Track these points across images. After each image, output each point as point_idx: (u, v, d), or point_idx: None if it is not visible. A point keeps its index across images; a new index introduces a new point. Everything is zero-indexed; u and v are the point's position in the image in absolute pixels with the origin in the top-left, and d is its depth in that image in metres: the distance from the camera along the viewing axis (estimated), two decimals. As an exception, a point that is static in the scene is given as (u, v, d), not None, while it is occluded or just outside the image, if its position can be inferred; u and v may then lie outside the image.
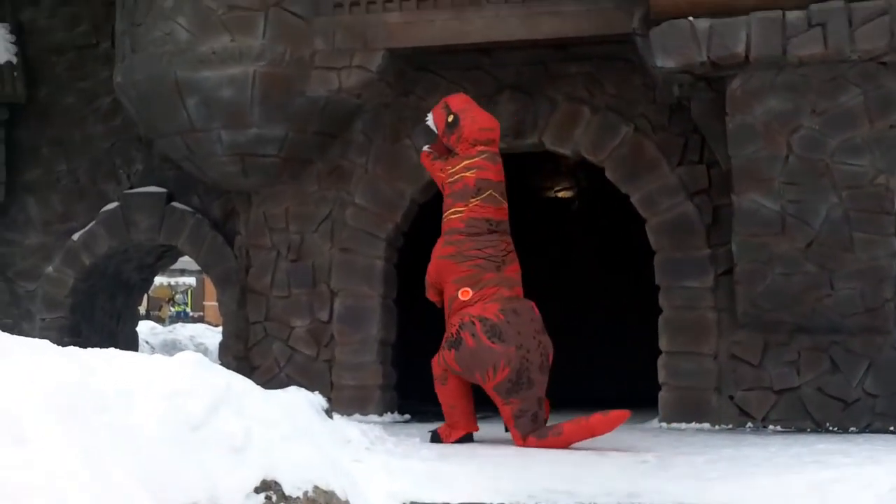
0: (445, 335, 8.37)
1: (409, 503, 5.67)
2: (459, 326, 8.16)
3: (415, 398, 12.71)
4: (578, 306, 14.94)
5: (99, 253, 13.06)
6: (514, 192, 15.37)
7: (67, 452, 4.06)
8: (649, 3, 9.37)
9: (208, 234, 12.74)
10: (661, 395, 10.46)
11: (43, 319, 13.10)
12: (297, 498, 4.68)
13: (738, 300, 9.95)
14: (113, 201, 13.14)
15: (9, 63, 13.31)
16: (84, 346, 12.48)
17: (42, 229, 13.43)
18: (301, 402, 5.75)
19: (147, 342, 18.31)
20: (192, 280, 35.22)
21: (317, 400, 6.14)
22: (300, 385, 11.05)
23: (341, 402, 11.08)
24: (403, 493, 5.72)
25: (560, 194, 16.27)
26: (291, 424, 5.03)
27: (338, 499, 4.87)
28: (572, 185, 16.05)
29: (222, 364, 12.07)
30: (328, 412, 6.25)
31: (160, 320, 30.38)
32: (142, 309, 33.52)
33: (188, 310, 35.61)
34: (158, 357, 4.88)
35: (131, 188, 13.17)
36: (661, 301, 10.62)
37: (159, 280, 34.91)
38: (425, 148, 9.23)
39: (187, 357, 4.85)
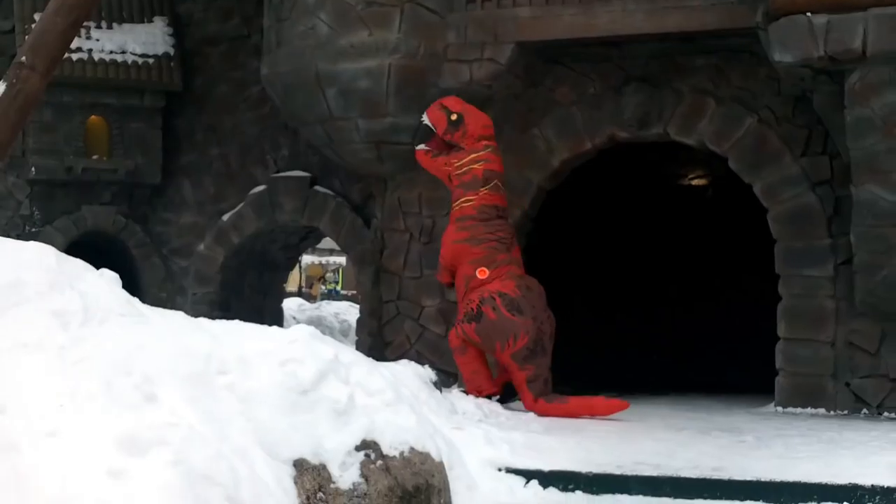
0: (464, 310, 9.27)
1: (503, 468, 6.16)
2: (480, 301, 9.06)
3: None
4: (708, 292, 15.14)
5: (247, 233, 13.91)
6: (647, 179, 15.80)
7: (191, 410, 4.68)
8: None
9: (348, 216, 13.45)
10: (778, 380, 10.68)
11: (195, 294, 14.02)
12: (394, 457, 5.22)
13: (856, 289, 10.09)
14: (261, 184, 13.98)
15: (167, 54, 14.24)
16: (232, 319, 13.36)
17: (196, 209, 14.35)
18: (409, 374, 6.28)
19: (294, 318, 19.18)
20: (342, 259, 36.29)
21: (426, 373, 6.67)
22: (429, 361, 11.74)
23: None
24: (500, 460, 6.22)
25: (694, 182, 16.43)
26: (394, 392, 5.56)
27: (432, 460, 5.39)
28: (706, 173, 16.19)
29: (358, 339, 12.80)
30: (437, 384, 6.76)
31: (312, 297, 31.50)
32: (295, 286, 34.84)
33: (338, 288, 36.69)
34: (275, 329, 5.48)
35: (278, 172, 13.98)
36: (781, 289, 10.81)
37: (311, 259, 36.14)
38: (420, 147, 10.14)
39: (301, 330, 5.43)
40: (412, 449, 5.33)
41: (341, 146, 11.91)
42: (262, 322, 14.61)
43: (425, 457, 5.37)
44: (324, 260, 34.75)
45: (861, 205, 9.73)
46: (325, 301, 25.96)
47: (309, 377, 5.14)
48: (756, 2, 10.17)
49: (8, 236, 13.99)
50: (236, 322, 5.67)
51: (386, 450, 5.22)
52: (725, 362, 14.49)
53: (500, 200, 9.52)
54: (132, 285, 14.32)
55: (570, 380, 13.27)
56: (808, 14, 9.35)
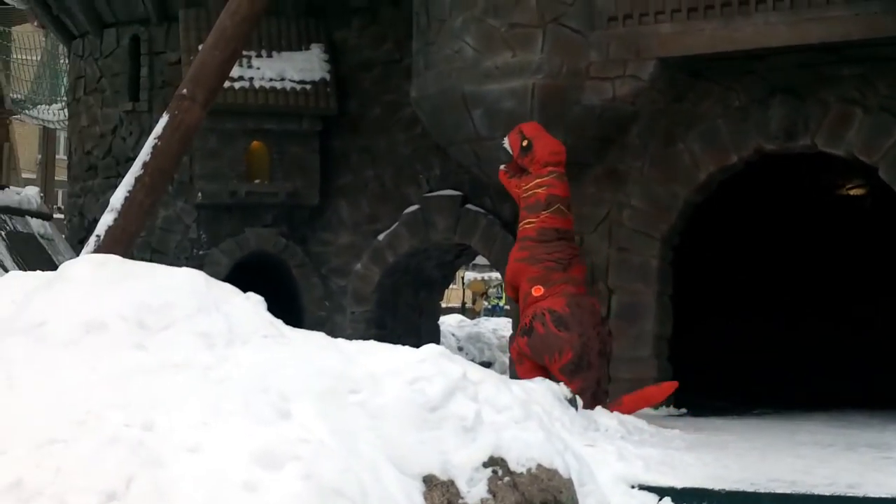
0: (521, 324, 9.71)
1: (636, 485, 6.25)
2: (532, 317, 9.48)
3: (699, 392, 13.12)
4: (869, 302, 14.81)
5: (401, 251, 14.30)
6: (804, 190, 15.54)
7: (322, 426, 4.95)
8: (914, 6, 9.39)
9: (499, 233, 13.69)
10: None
11: (353, 312, 14.49)
12: (521, 473, 5.38)
13: None
14: (414, 204, 14.35)
15: (323, 80, 14.78)
16: (389, 337, 13.82)
17: (352, 229, 14.83)
18: (542, 391, 6.44)
19: (453, 334, 19.54)
20: (504, 275, 36.59)
21: (560, 390, 6.82)
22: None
23: (619, 394, 11.65)
24: (633, 477, 6.31)
25: (852, 192, 16.09)
26: (523, 409, 5.72)
27: (560, 476, 5.53)
28: (865, 182, 15.83)
29: (510, 355, 12.99)
30: (572, 401, 6.90)
31: (475, 313, 31.91)
32: (458, 302, 35.32)
33: (501, 303, 36.98)
34: (406, 349, 5.72)
35: (430, 191, 14.33)
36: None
37: (474, 275, 36.59)
38: (502, 167, 10.47)
39: (431, 349, 5.65)
40: (539, 465, 5.47)
41: (488, 165, 12.15)
42: (419, 339, 15.13)
43: (553, 473, 5.51)
44: (486, 276, 35.11)
45: None
46: (485, 317, 26.25)
47: (437, 394, 5.35)
48: (902, 9, 10.00)
49: (178, 259, 14.87)
50: (371, 342, 5.94)
51: (513, 466, 5.38)
52: (891, 376, 14.14)
53: (561, 223, 9.88)
54: (293, 304, 14.94)
55: (727, 395, 13.23)
56: (956, 20, 9.14)
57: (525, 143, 10.07)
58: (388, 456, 5.09)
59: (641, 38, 11.33)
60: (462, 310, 31.46)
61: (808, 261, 15.46)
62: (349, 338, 13.76)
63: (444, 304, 32.45)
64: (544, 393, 6.46)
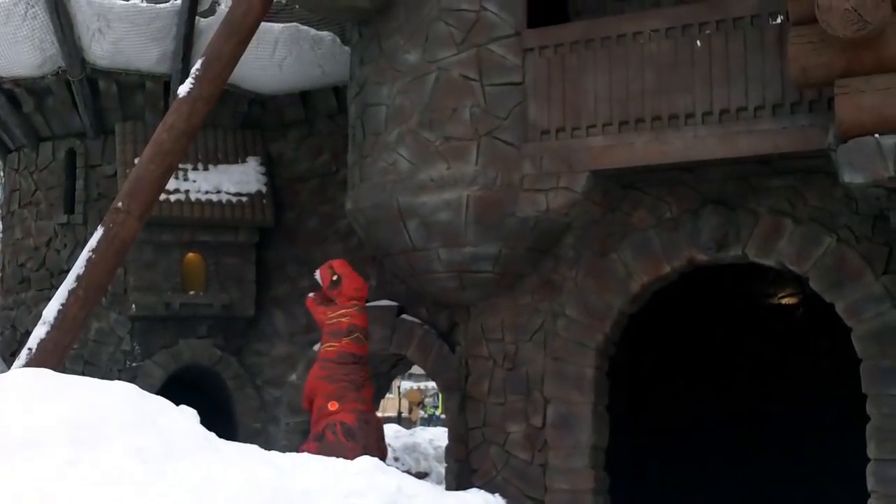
0: (313, 431, 11.17)
1: None
2: (325, 426, 11.08)
3: (636, 500, 13.12)
4: (800, 411, 14.96)
5: (337, 362, 14.20)
6: (736, 298, 15.80)
7: (257, 541, 4.90)
8: (836, 122, 9.69)
9: (435, 343, 13.69)
10: (870, 502, 10.47)
11: (287, 423, 14.34)
12: (458, 588, 5.35)
13: (945, 408, 9.94)
14: (350, 314, 14.30)
15: (259, 192, 14.86)
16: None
17: (288, 340, 14.76)
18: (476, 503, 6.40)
19: (389, 444, 19.32)
20: (441, 384, 36.47)
21: (496, 502, 6.78)
22: (516, 488, 11.81)
23: (556, 505, 11.63)
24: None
25: (784, 301, 16.37)
26: (460, 523, 5.71)
27: (497, 590, 5.50)
28: (797, 291, 16.14)
29: (447, 466, 12.92)
30: (508, 514, 6.86)
31: (412, 423, 31.66)
32: (394, 412, 35.06)
33: (438, 412, 36.79)
34: (340, 462, 5.69)
35: (367, 302, 14.30)
36: (869, 409, 10.65)
37: (410, 384, 36.42)
38: (311, 295, 12.27)
39: (365, 462, 5.64)
40: (476, 579, 5.45)
41: (423, 276, 12.23)
42: (354, 450, 14.86)
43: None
44: (422, 385, 34.97)
45: (943, 322, 9.65)
46: (421, 427, 26.07)
47: (372, 509, 5.32)
48: (827, 123, 10.29)
49: (110, 371, 14.67)
50: (304, 455, 5.90)
51: (450, 581, 5.35)
52: (827, 483, 14.24)
53: (358, 349, 11.61)
54: (227, 416, 14.76)
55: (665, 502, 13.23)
56: (877, 136, 9.43)
57: (335, 277, 11.89)
58: (323, 573, 5.03)
59: (574, 151, 11.53)
60: (398, 419, 31.23)
61: (744, 367, 15.64)
62: (284, 449, 13.64)
63: (379, 414, 32.21)
64: (482, 505, 6.41)
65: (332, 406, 11.19)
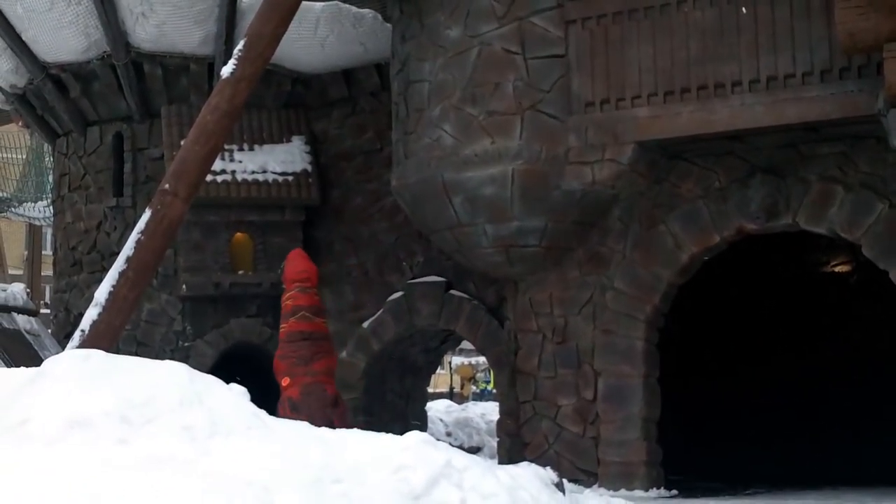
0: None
1: (624, 570, 6.17)
2: (279, 403, 11.51)
3: (690, 473, 13.05)
4: (855, 379, 14.79)
5: (386, 339, 14.27)
6: (788, 267, 15.61)
7: (306, 518, 4.91)
8: (886, 86, 9.53)
9: (484, 318, 13.69)
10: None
11: (338, 400, 14.35)
12: (508, 561, 5.35)
13: None
14: (398, 291, 14.36)
15: (304, 171, 14.90)
16: (376, 424, 13.72)
17: (336, 318, 14.79)
18: (529, 477, 6.40)
19: (441, 419, 19.40)
20: (492, 359, 36.44)
21: (548, 475, 6.77)
22: (568, 461, 11.79)
23: (608, 477, 11.61)
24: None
25: (837, 269, 16.16)
26: (509, 496, 5.69)
27: (547, 563, 5.49)
28: (850, 258, 15.92)
29: (498, 440, 12.93)
30: (559, 486, 6.85)
31: (463, 398, 31.72)
32: (446, 387, 35.15)
33: (490, 387, 36.83)
34: (389, 437, 5.69)
35: (413, 278, 14.36)
36: (924, 375, 10.55)
37: (461, 360, 36.46)
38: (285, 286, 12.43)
39: (415, 436, 5.64)
40: (525, 552, 5.44)
41: (470, 251, 12.21)
42: (406, 425, 15.02)
43: (539, 559, 5.47)
44: (473, 360, 35.00)
45: None
46: (473, 402, 26.12)
47: (421, 483, 5.32)
48: (876, 88, 10.13)
49: (163, 351, 14.82)
50: (354, 431, 5.91)
51: (498, 553, 5.35)
52: (878, 454, 14.08)
53: (305, 326, 11.92)
54: (278, 393, 14.83)
55: (719, 474, 13.15)
56: (927, 99, 9.28)
57: (281, 267, 12.49)
58: (373, 546, 5.04)
59: (619, 122, 11.45)
60: (450, 395, 31.31)
61: (796, 338, 15.47)
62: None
63: (431, 390, 32.32)
64: (531, 478, 6.41)
65: (285, 382, 11.77)
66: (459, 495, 5.41)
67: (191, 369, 6.43)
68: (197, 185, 10.81)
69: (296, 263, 12.38)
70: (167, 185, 10.51)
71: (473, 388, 34.84)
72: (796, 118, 10.71)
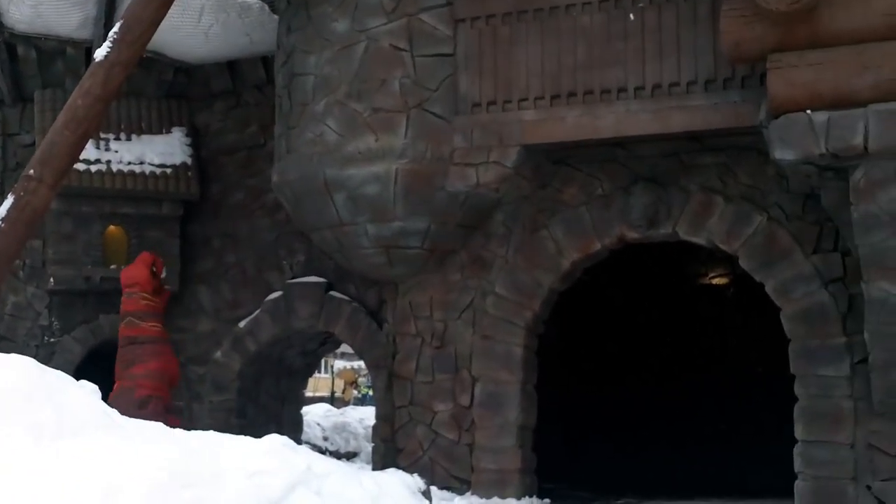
0: None
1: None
2: None
3: (562, 482, 12.97)
4: (730, 392, 14.92)
5: (263, 339, 13.90)
6: (668, 278, 15.69)
7: (151, 524, 4.60)
8: (768, 97, 9.55)
9: (364, 321, 13.42)
10: (798, 484, 10.38)
11: (211, 402, 13.98)
12: (366, 573, 5.10)
13: (873, 389, 9.84)
14: (277, 290, 14.00)
15: (184, 164, 14.44)
16: (250, 427, 13.35)
17: (213, 316, 14.39)
18: (395, 483, 6.16)
19: (318, 424, 19.08)
20: (375, 363, 36.12)
21: (414, 482, 6.54)
22: (443, 468, 11.60)
23: (481, 485, 11.45)
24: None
25: (715, 281, 16.30)
26: (372, 504, 5.45)
27: (409, 575, 5.26)
28: (728, 271, 16.07)
29: (373, 446, 12.67)
30: (426, 494, 6.63)
31: (344, 403, 31.35)
32: (328, 391, 34.73)
33: (371, 392, 36.52)
34: (248, 440, 5.40)
35: (293, 278, 14.01)
36: (797, 389, 10.57)
37: (343, 364, 36.07)
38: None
39: (274, 440, 5.35)
40: (385, 563, 5.20)
41: (351, 251, 11.94)
42: (281, 429, 14.64)
43: (400, 570, 5.24)
44: (356, 364, 34.66)
45: (873, 302, 9.54)
46: (353, 407, 25.81)
47: (278, 489, 5.05)
48: (759, 100, 10.15)
49: (27, 346, 14.21)
50: (211, 433, 5.60)
51: (356, 565, 5.10)
52: (753, 464, 14.20)
53: (130, 332, 12.29)
54: (148, 393, 14.35)
55: (593, 483, 13.10)
56: (808, 111, 9.30)
57: None
58: (223, 557, 4.75)
59: (505, 125, 11.30)
60: (331, 399, 30.90)
61: (673, 348, 15.55)
62: (207, 428, 13.32)
63: (311, 394, 31.85)
64: (397, 485, 6.17)
65: (116, 382, 12.23)
66: (318, 502, 5.14)
67: (40, 365, 6.07)
68: (65, 173, 10.35)
69: (126, 269, 12.73)
70: (32, 171, 10.04)
71: (355, 392, 34.47)
72: (681, 127, 10.70)
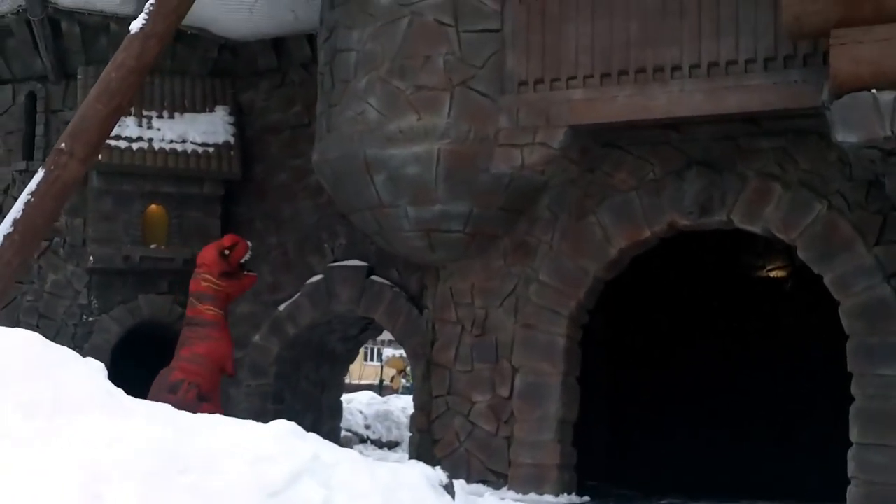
0: None
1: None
2: None
3: (606, 479, 12.52)
4: (787, 393, 14.34)
5: (302, 324, 13.57)
6: (722, 269, 15.12)
7: (139, 512, 4.24)
8: (831, 76, 9.00)
9: (405, 306, 13.04)
10: (850, 489, 9.85)
11: (248, 386, 13.68)
12: (375, 570, 4.70)
13: (935, 389, 9.30)
14: (318, 274, 13.66)
15: (227, 143, 14.14)
16: (287, 412, 13.01)
17: (252, 299, 14.07)
18: (414, 476, 5.76)
19: (361, 412, 18.77)
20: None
21: (436, 475, 6.14)
22: (479, 460, 11.19)
23: (518, 480, 11.04)
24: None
25: (772, 273, 15.70)
26: (385, 497, 5.05)
27: (423, 575, 4.86)
28: (786, 263, 15.47)
29: (410, 436, 12.28)
30: (448, 488, 6.22)
31: (393, 391, 31.07)
32: (375, 379, 34.45)
33: (416, 381, 36.19)
34: (254, 425, 5.03)
35: (335, 261, 13.66)
36: (854, 389, 10.03)
37: (392, 352, 35.78)
38: None
39: (280, 425, 4.98)
40: (394, 562, 4.81)
41: (391, 234, 11.56)
42: (319, 415, 14.30)
43: (414, 570, 4.84)
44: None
45: (937, 297, 9.01)
46: (397, 395, 25.49)
47: (281, 477, 4.67)
48: (821, 80, 9.61)
49: (65, 325, 14.01)
50: (217, 416, 5.23)
51: (363, 562, 4.71)
52: (809, 465, 13.61)
53: (188, 312, 11.73)
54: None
55: (634, 481, 12.61)
56: (874, 91, 8.75)
57: None
58: (217, 548, 4.38)
59: (553, 104, 10.85)
60: (379, 387, 30.60)
61: (726, 344, 14.99)
62: (245, 413, 13.04)
63: (358, 381, 31.57)
64: (416, 478, 5.77)
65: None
66: (323, 494, 4.75)
67: (44, 340, 5.74)
68: (97, 147, 10.05)
69: (203, 249, 12.19)
70: (63, 145, 9.75)
71: (404, 381, 34.15)
72: (737, 107, 10.18)
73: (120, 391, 5.62)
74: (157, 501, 4.40)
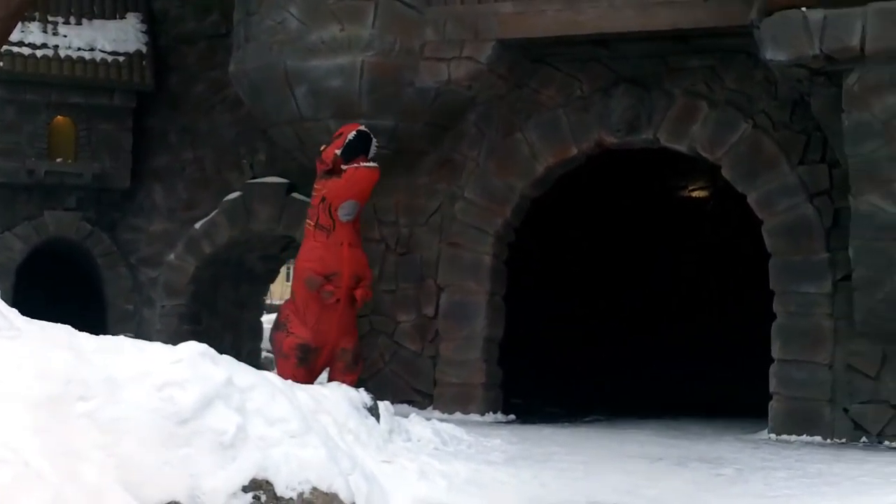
0: None
1: (435, 509, 5.40)
2: None
3: (532, 398, 12.47)
4: (699, 307, 14.41)
5: (219, 242, 13.19)
6: (646, 190, 15.05)
7: (34, 442, 3.96)
8: (763, -8, 8.83)
9: (325, 225, 12.68)
10: (772, 405, 9.91)
11: (163, 306, 13.31)
12: (291, 499, 4.48)
13: (855, 308, 9.29)
14: (236, 190, 13.25)
15: (138, 52, 13.58)
16: (204, 333, 12.63)
17: (167, 216, 13.66)
18: (336, 399, 5.55)
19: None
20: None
21: (359, 397, 5.94)
22: (404, 381, 11.04)
23: (444, 399, 10.94)
24: (434, 498, 5.46)
25: (695, 193, 15.68)
26: (302, 422, 4.83)
27: (340, 501, 4.65)
28: (709, 184, 15.44)
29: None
30: (372, 410, 6.02)
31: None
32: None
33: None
34: (160, 346, 4.75)
35: (254, 178, 13.25)
36: (776, 306, 10.04)
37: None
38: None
39: (190, 347, 4.71)
40: (315, 489, 4.60)
41: (312, 150, 11.18)
42: (239, 336, 13.94)
43: (331, 497, 4.64)
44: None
45: (860, 217, 8.98)
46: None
47: (190, 404, 4.42)
48: (752, -2, 9.44)
49: (-36, 242, 13.38)
50: (121, 338, 4.93)
51: (281, 490, 4.49)
52: (731, 381, 13.68)
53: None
54: (96, 296, 13.67)
55: (559, 399, 12.59)
56: (804, 9, 8.61)
57: None
58: (122, 481, 4.13)
59: (480, 17, 10.57)
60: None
61: (649, 263, 14.98)
62: (159, 334, 12.56)
63: (279, 301, 31.11)
64: (338, 401, 5.56)
65: None
66: (237, 420, 4.51)
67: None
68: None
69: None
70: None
71: (326, 299, 33.81)
72: (667, 24, 10.02)
73: (14, 311, 5.27)
74: (53, 430, 4.12)
